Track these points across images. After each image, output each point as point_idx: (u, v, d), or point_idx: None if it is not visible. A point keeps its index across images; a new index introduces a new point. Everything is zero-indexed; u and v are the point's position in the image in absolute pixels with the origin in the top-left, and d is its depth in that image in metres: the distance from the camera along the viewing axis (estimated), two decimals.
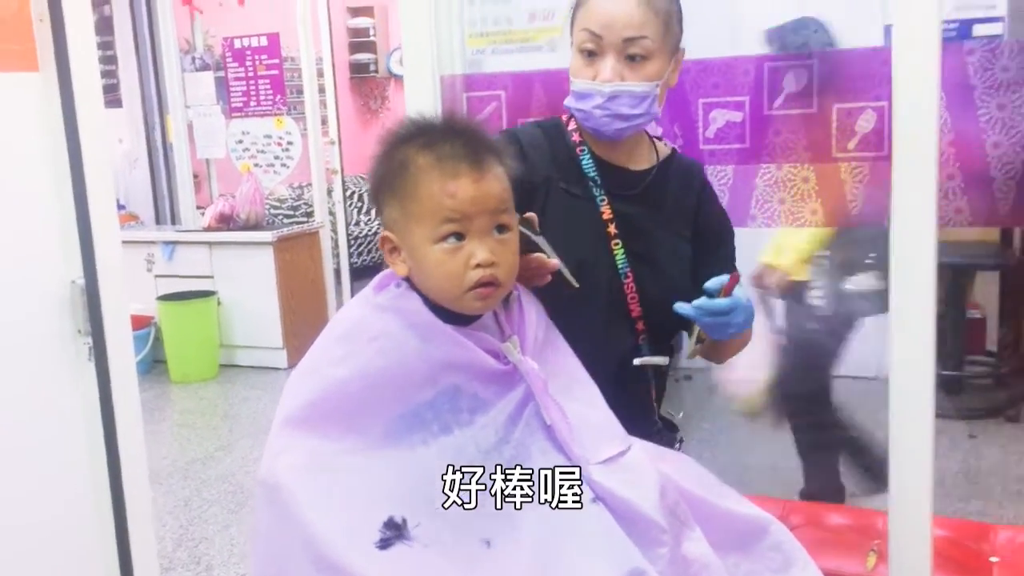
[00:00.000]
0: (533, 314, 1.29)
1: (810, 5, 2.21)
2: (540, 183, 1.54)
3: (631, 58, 1.45)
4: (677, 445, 1.62)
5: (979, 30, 3.09)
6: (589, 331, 1.46)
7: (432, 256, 1.16)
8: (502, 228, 1.18)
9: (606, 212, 1.53)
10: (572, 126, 1.59)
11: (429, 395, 1.17)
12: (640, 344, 1.54)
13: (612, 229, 1.53)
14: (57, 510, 1.85)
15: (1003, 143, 1.76)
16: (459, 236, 1.16)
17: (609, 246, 1.53)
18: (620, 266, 1.52)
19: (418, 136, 1.20)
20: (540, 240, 1.31)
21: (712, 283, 1.42)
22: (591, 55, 1.47)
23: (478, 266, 1.15)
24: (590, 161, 1.56)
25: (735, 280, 1.43)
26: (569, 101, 1.52)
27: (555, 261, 1.32)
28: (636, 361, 1.54)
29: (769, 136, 2.08)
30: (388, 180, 1.20)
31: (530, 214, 1.33)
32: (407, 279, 1.22)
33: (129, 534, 1.92)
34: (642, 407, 1.58)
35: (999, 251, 4.56)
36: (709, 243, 1.61)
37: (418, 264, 1.19)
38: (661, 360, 1.57)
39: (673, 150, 1.65)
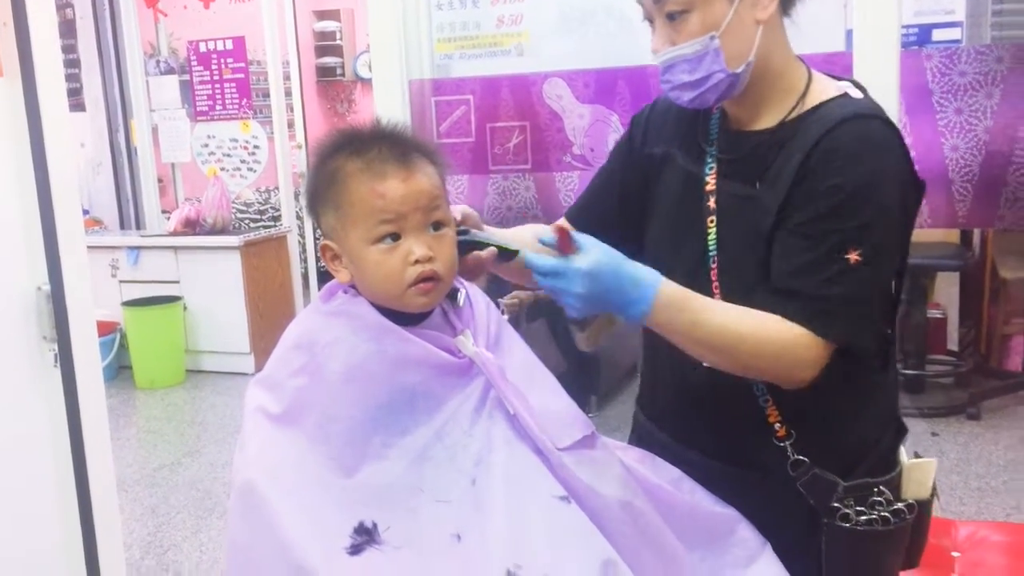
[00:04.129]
0: (483, 309, 1.31)
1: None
2: (655, 157, 1.43)
3: (671, 17, 1.24)
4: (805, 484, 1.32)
5: (938, 35, 3.15)
6: None
7: (370, 258, 1.18)
8: (438, 225, 1.20)
9: (710, 184, 1.33)
10: None
11: (386, 397, 1.18)
12: None
13: (711, 203, 1.32)
14: (23, 518, 1.83)
15: (960, 147, 1.80)
16: (395, 236, 1.18)
17: (704, 223, 1.32)
18: (710, 247, 1.31)
19: (346, 144, 1.21)
20: (472, 235, 1.29)
21: (545, 236, 1.23)
22: (651, 23, 1.29)
23: (416, 262, 1.17)
24: (717, 123, 1.37)
25: (563, 234, 1.20)
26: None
27: (490, 250, 1.28)
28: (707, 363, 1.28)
29: None
30: (321, 190, 1.22)
31: (464, 210, 1.30)
32: (352, 286, 1.23)
33: (97, 542, 1.90)
34: (748, 428, 1.33)
35: (959, 252, 4.64)
36: (791, 213, 1.24)
37: (358, 268, 1.20)
38: None
39: (844, 94, 1.30)
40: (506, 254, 1.31)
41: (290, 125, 6.22)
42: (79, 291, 1.82)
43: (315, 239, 6.21)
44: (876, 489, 1.32)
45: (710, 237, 1.31)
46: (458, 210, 1.30)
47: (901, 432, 1.41)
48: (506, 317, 1.38)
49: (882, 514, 1.32)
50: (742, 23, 1.24)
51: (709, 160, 1.35)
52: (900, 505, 1.34)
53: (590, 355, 4.65)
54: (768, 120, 1.31)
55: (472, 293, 1.32)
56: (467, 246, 1.28)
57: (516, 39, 2.12)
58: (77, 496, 1.88)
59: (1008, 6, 3.78)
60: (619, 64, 2.23)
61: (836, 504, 1.30)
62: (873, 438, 1.36)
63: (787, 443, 1.31)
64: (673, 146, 1.41)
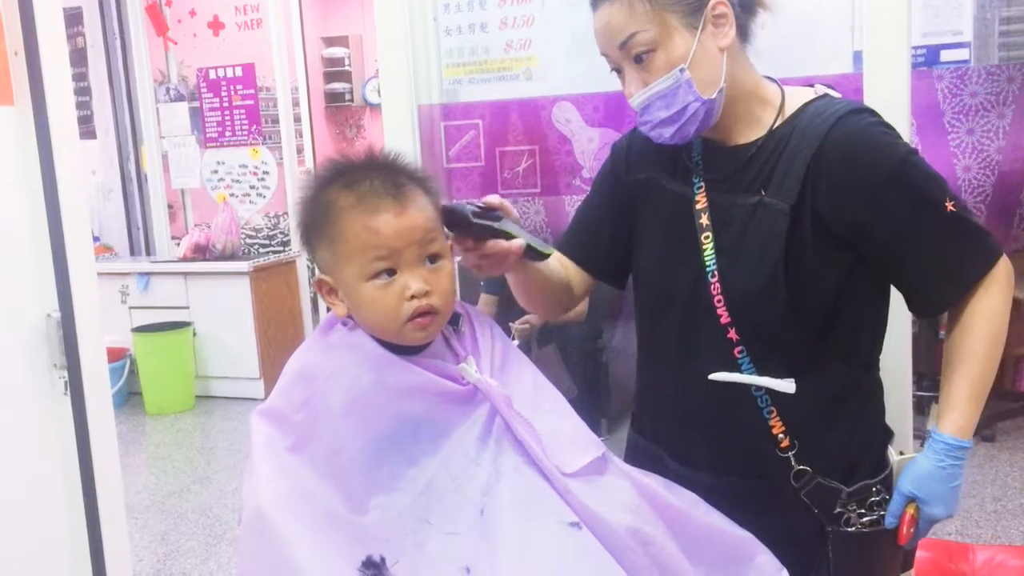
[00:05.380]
0: (487, 334, 1.30)
1: (779, 31, 2.24)
2: (640, 183, 1.46)
3: (639, 60, 1.29)
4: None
5: (946, 56, 3.15)
6: (681, 341, 1.36)
7: (366, 294, 1.17)
8: (434, 258, 1.19)
9: (700, 202, 1.36)
10: None
11: (390, 427, 1.17)
12: (739, 359, 1.33)
13: (704, 220, 1.35)
14: (33, 546, 1.82)
15: (973, 167, 1.79)
16: (391, 272, 1.16)
17: (698, 241, 1.35)
18: (708, 263, 1.33)
19: (338, 177, 1.20)
20: (503, 224, 1.27)
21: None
22: (620, 73, 1.35)
23: (413, 297, 1.16)
24: (699, 146, 1.41)
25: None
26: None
27: (519, 241, 1.27)
28: (713, 376, 1.33)
29: None
30: (315, 224, 1.21)
31: (488, 198, 1.29)
32: (351, 317, 1.22)
33: (106, 569, 1.89)
34: (753, 442, 1.35)
35: None
36: (845, 206, 1.28)
37: (354, 303, 1.19)
38: (763, 381, 1.31)
39: (823, 96, 1.37)
40: (535, 254, 1.30)
41: (299, 151, 6.25)
42: (89, 318, 1.82)
43: (308, 266, 6.19)
44: (874, 489, 1.36)
45: (706, 253, 1.34)
46: (492, 198, 1.29)
47: (889, 434, 1.45)
48: (516, 342, 1.37)
49: (882, 513, 1.35)
50: (707, 52, 1.29)
51: (696, 180, 1.38)
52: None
53: (601, 378, 4.63)
54: (752, 134, 1.36)
55: (475, 318, 1.31)
56: (493, 232, 1.26)
57: (525, 63, 2.13)
58: (87, 523, 1.87)
59: (1015, 27, 3.78)
60: None
61: (840, 510, 1.34)
62: (868, 442, 1.40)
63: (790, 454, 1.33)
64: (657, 171, 1.44)
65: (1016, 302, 4.92)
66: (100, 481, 1.86)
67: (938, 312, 1.35)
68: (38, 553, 1.83)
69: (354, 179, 1.18)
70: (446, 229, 1.25)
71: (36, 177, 1.75)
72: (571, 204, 2.31)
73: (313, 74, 7.50)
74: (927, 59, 3.16)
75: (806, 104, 1.35)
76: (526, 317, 4.34)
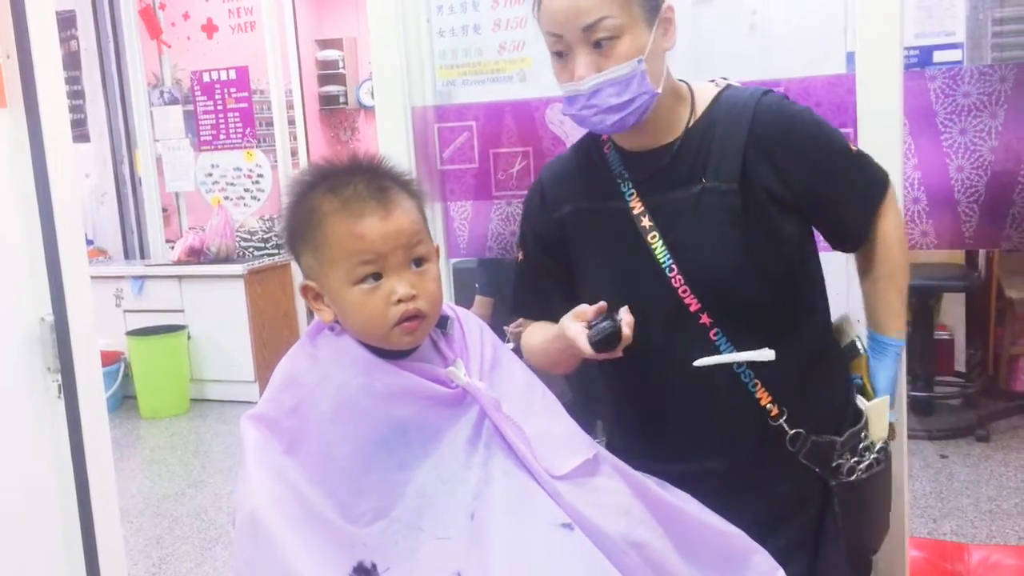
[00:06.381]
0: (476, 335, 1.29)
1: (771, 33, 2.24)
2: (566, 218, 1.49)
3: (598, 45, 1.31)
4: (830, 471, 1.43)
5: (939, 56, 3.16)
6: (654, 343, 1.39)
7: (352, 298, 1.16)
8: (419, 261, 1.19)
9: (636, 206, 1.41)
10: None
11: (379, 432, 1.16)
12: (716, 341, 1.38)
13: (646, 222, 1.40)
14: (27, 550, 1.81)
15: (965, 167, 1.79)
16: (376, 276, 1.16)
17: (646, 243, 1.40)
18: (662, 260, 1.38)
19: (323, 181, 1.20)
20: (608, 322, 1.32)
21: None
22: (562, 56, 1.36)
23: (399, 301, 1.15)
24: (616, 157, 1.46)
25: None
26: (564, 109, 1.41)
27: (598, 305, 1.35)
28: (697, 363, 1.37)
29: None
30: (299, 229, 1.21)
31: (599, 305, 1.35)
32: (338, 322, 1.22)
33: (100, 573, 1.88)
34: (745, 417, 1.40)
35: (965, 273, 4.63)
36: (793, 177, 1.38)
37: (340, 308, 1.19)
38: (745, 356, 1.36)
39: (727, 87, 1.46)
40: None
41: (293, 154, 6.24)
42: (83, 321, 1.81)
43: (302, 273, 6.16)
44: (862, 435, 1.44)
45: (657, 251, 1.39)
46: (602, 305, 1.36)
47: (854, 384, 1.52)
48: (511, 346, 1.38)
49: (874, 456, 1.43)
50: (658, 49, 1.36)
51: (625, 187, 1.43)
52: (880, 444, 1.45)
53: (595, 380, 4.63)
54: (670, 133, 1.42)
55: (464, 320, 1.31)
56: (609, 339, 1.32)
57: (518, 65, 2.13)
58: (81, 527, 1.86)
59: (1008, 27, 3.80)
60: None
61: (838, 462, 1.41)
62: (846, 390, 1.49)
63: (782, 420, 1.39)
64: (578, 200, 1.48)
65: (1010, 301, 4.93)
66: (94, 485, 1.86)
67: (860, 243, 1.47)
68: (32, 557, 1.83)
69: (338, 184, 1.18)
70: (593, 350, 1.32)
71: (29, 181, 1.74)
72: None
73: (307, 77, 7.49)
74: (920, 60, 3.16)
75: (717, 96, 1.43)
76: (520, 320, 4.33)
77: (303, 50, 6.46)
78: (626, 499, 1.22)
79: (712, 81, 1.48)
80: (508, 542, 1.12)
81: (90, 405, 1.84)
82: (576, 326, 1.34)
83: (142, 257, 6.53)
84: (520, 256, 1.61)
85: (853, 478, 1.41)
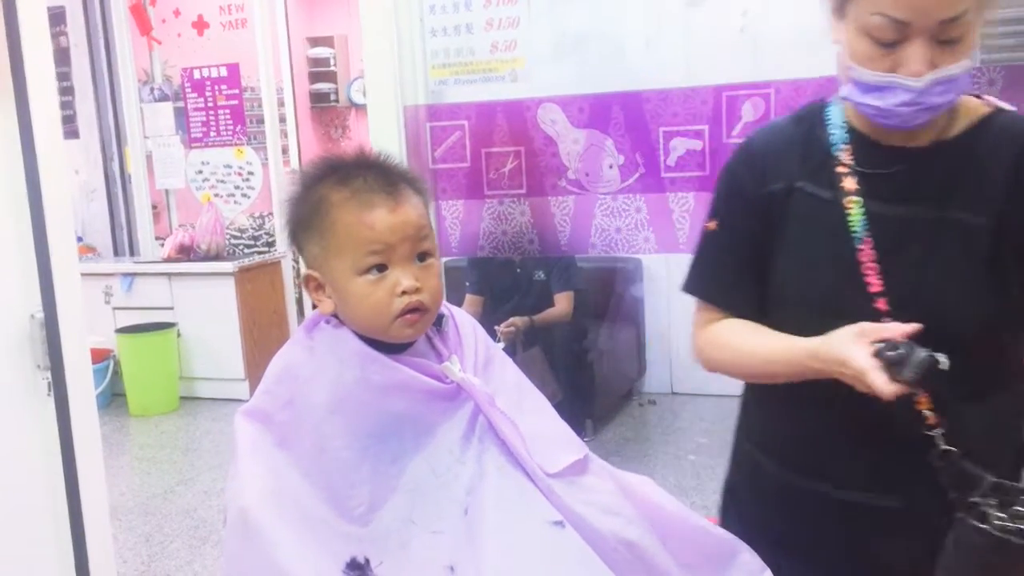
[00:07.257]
0: (470, 333, 1.30)
1: (762, 35, 2.25)
2: (776, 195, 1.33)
3: (945, 40, 1.16)
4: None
5: None
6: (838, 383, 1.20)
7: (357, 288, 1.17)
8: (423, 256, 1.20)
9: (851, 207, 1.26)
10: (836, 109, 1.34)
11: (374, 426, 1.17)
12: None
13: (860, 230, 1.25)
14: (17, 548, 1.81)
15: None
16: (381, 267, 1.17)
17: (856, 260, 1.25)
18: (866, 276, 1.24)
19: (331, 173, 1.20)
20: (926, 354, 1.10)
21: None
22: (889, 44, 1.18)
23: (403, 293, 1.16)
24: (844, 137, 1.31)
25: None
26: (851, 94, 1.24)
27: (907, 327, 1.15)
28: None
29: None
30: (306, 219, 1.21)
31: (908, 327, 1.14)
32: (335, 315, 1.22)
33: (90, 571, 1.88)
34: (894, 417, 1.22)
35: None
36: None
37: (343, 298, 1.19)
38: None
39: (999, 110, 1.28)
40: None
41: (284, 151, 6.23)
42: (72, 319, 1.81)
43: (293, 266, 6.17)
44: (1022, 498, 1.20)
45: (865, 267, 1.24)
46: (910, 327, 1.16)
47: None
48: (502, 345, 1.38)
49: (1021, 526, 1.18)
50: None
51: (855, 182, 1.27)
52: None
53: (586, 379, 4.65)
54: (922, 137, 1.26)
55: (458, 318, 1.32)
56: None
57: (510, 65, 2.13)
58: (70, 525, 1.86)
59: (995, 29, 3.81)
60: (613, 89, 2.24)
61: (977, 500, 1.21)
62: (1015, 439, 1.29)
63: (937, 432, 1.23)
64: (792, 179, 1.33)
65: None
66: (84, 483, 1.86)
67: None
68: (22, 555, 1.82)
69: (347, 175, 1.19)
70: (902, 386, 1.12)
71: (19, 177, 1.74)
72: (556, 205, 2.31)
73: (298, 74, 7.48)
74: None
75: (988, 116, 1.27)
76: (511, 320, 4.35)
77: (294, 47, 6.44)
78: (616, 499, 1.23)
79: (979, 97, 1.32)
80: (501, 538, 1.12)
81: (80, 402, 1.84)
82: (864, 355, 1.14)
83: (132, 254, 6.51)
84: (713, 225, 1.42)
85: (983, 525, 1.20)
